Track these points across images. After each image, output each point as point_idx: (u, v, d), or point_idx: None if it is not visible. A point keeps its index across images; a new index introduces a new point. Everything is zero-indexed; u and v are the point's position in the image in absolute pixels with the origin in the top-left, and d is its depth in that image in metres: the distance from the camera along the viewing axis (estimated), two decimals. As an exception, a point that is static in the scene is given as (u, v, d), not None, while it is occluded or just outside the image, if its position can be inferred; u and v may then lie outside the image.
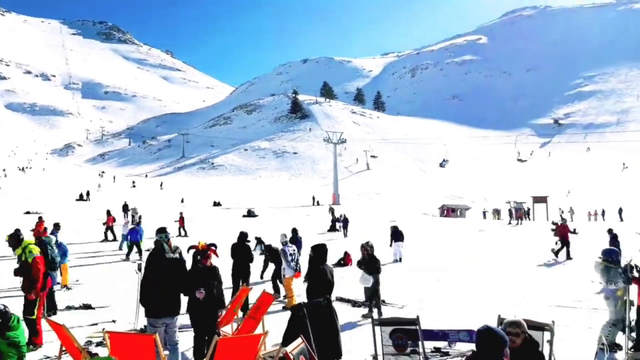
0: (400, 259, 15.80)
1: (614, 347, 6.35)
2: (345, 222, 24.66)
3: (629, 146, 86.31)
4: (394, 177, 78.33)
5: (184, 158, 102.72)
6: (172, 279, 5.17)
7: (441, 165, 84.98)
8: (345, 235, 23.54)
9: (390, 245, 16.26)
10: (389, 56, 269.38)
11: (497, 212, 44.92)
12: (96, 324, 7.66)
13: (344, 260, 14.82)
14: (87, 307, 8.94)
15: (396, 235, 16.24)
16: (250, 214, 35.50)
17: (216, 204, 47.17)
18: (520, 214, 35.82)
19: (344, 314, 8.30)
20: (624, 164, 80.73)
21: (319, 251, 6.07)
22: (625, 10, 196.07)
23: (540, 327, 4.60)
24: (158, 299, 5.07)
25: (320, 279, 5.87)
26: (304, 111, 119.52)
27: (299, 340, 4.17)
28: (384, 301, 9.52)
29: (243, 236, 9.75)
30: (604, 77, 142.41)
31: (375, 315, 8.09)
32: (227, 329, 6.58)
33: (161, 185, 69.32)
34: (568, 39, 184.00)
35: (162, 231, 6.42)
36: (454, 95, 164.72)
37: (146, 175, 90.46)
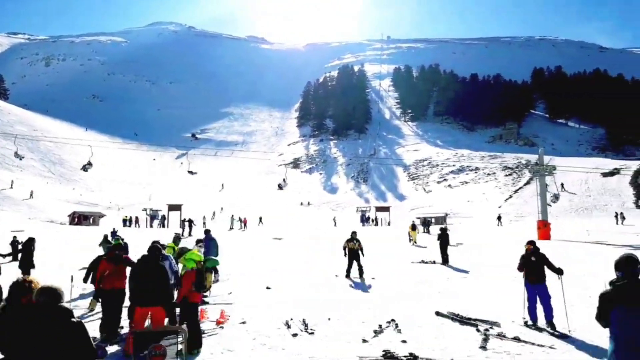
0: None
1: None
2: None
3: (250, 161, 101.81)
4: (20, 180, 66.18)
5: None
6: None
7: (84, 169, 75.17)
8: None
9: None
10: (18, 37, 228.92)
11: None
12: None
13: None
14: None
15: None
16: None
17: None
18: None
19: None
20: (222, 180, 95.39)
21: None
22: (256, 47, 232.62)
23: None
24: None
25: None
26: None
27: None
28: None
29: None
30: (234, 102, 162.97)
31: None
32: None
33: None
34: (207, 61, 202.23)
35: None
36: (95, 95, 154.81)
37: None
